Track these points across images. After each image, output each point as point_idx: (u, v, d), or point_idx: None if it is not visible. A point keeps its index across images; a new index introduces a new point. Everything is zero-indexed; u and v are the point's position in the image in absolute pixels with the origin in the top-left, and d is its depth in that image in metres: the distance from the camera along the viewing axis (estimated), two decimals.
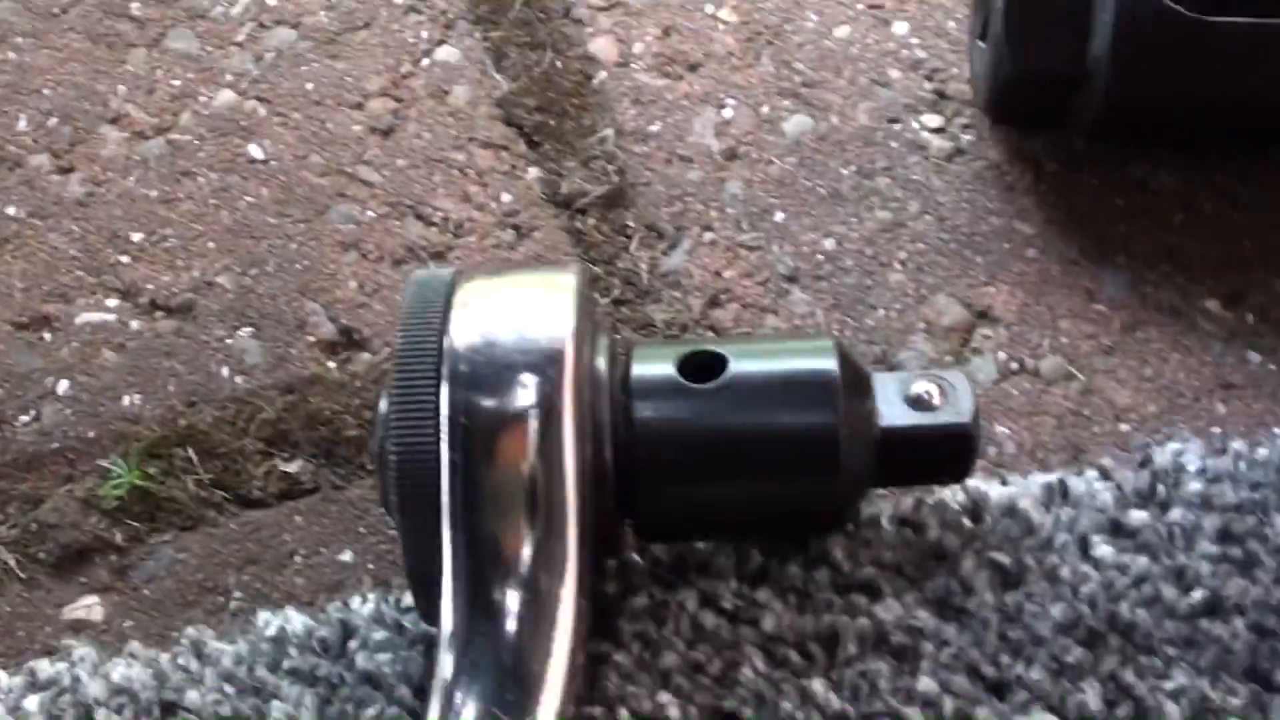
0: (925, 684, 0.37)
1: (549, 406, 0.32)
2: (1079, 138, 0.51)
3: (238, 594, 0.43)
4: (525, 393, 0.32)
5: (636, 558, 0.39)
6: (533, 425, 0.32)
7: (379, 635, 0.39)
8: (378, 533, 0.43)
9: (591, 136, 0.53)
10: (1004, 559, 0.39)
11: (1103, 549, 0.39)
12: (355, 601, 0.40)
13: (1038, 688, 0.37)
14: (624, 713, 0.36)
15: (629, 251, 0.49)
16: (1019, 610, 0.38)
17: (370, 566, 0.43)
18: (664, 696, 0.36)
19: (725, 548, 0.39)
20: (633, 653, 0.37)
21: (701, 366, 0.36)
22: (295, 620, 0.40)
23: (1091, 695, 0.36)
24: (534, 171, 0.52)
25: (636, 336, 0.47)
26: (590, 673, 0.36)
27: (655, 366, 0.36)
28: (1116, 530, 0.40)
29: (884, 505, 0.41)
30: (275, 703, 0.37)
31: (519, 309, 0.34)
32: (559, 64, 0.55)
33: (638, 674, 0.37)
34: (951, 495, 0.41)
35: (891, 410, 0.37)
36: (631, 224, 0.50)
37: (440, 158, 0.52)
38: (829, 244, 0.49)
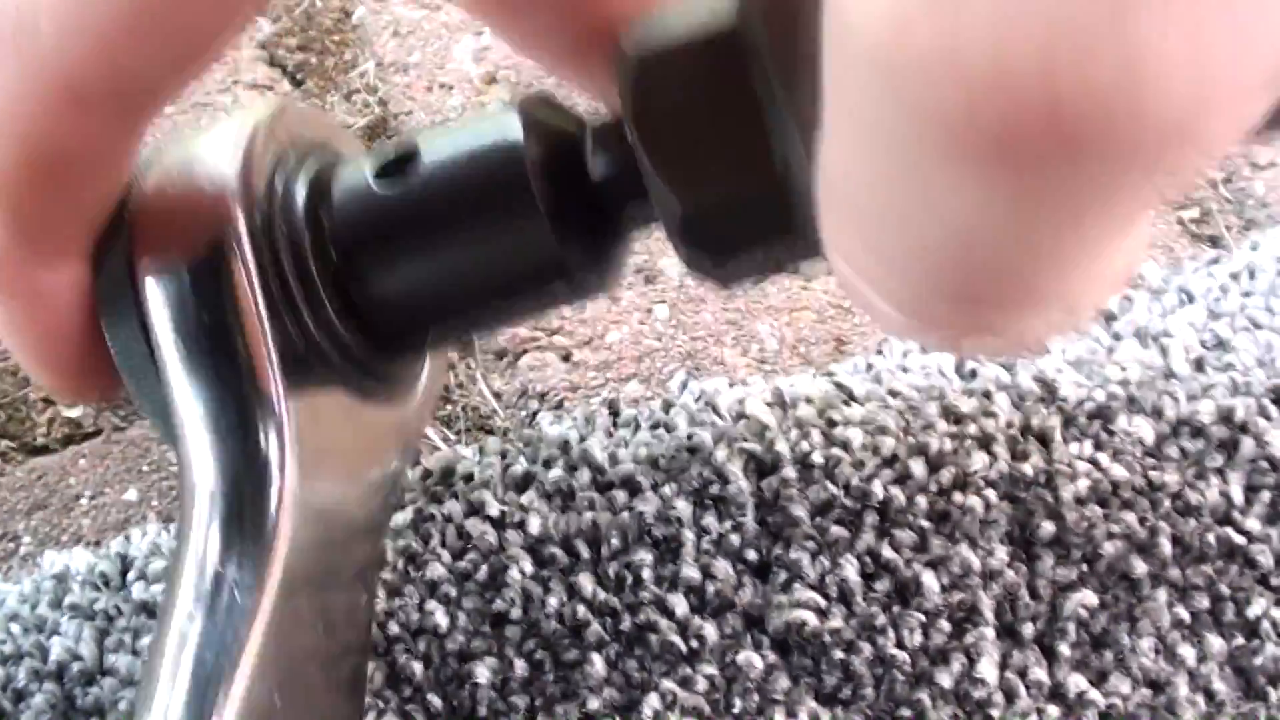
0: (688, 571, 0.38)
1: (226, 241, 0.31)
2: None
3: (27, 539, 0.43)
4: (202, 231, 0.31)
5: (406, 470, 0.40)
6: (217, 261, 0.31)
7: (156, 565, 0.39)
8: (161, 469, 0.44)
9: (353, 71, 0.53)
10: (755, 448, 0.40)
11: (851, 432, 0.40)
12: (135, 535, 0.41)
13: (797, 567, 0.38)
14: (393, 626, 0.37)
15: None
16: (775, 496, 0.39)
17: (155, 503, 0.44)
18: (431, 605, 0.37)
19: (490, 458, 0.40)
20: (398, 569, 0.38)
21: (397, 163, 0.33)
22: (79, 558, 0.40)
23: (850, 571, 0.37)
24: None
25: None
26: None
27: (351, 176, 0.33)
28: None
29: (631, 411, 0.42)
30: (55, 638, 0.38)
31: (200, 154, 0.32)
32: (318, 2, 0.55)
33: (403, 587, 0.38)
34: (690, 397, 0.42)
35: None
36: None
37: (207, 102, 0.53)
38: None
